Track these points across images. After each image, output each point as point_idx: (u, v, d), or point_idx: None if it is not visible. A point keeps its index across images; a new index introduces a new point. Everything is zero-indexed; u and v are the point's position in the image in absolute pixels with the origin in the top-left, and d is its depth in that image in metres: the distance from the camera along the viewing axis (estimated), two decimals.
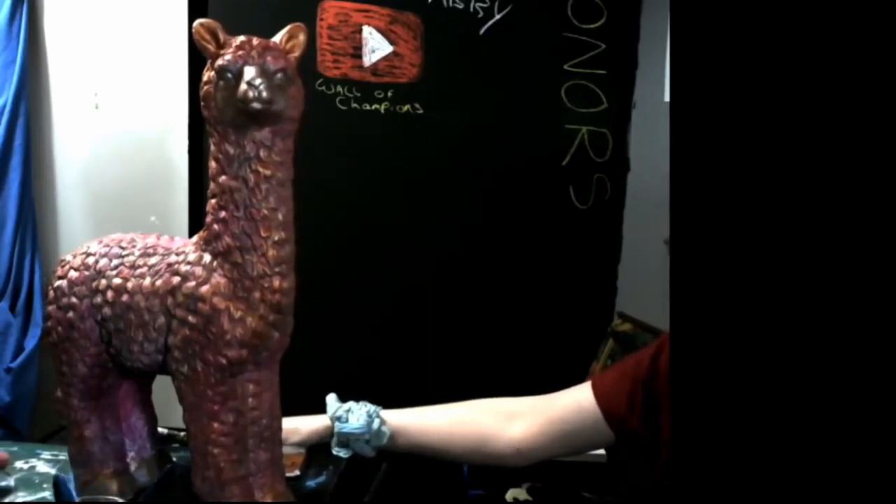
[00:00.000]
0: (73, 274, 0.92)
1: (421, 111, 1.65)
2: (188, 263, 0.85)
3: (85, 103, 1.78)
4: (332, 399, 1.08)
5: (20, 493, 0.98)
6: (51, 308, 0.93)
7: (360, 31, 1.62)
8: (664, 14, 1.67)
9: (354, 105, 1.62)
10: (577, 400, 1.00)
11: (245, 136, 0.81)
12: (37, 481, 1.02)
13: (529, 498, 1.23)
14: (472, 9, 1.65)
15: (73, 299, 0.91)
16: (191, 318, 0.84)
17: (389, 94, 1.64)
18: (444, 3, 1.64)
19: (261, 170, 0.81)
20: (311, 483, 1.02)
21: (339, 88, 1.62)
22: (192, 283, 0.84)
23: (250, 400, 0.88)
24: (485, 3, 1.65)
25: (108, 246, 0.92)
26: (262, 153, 0.81)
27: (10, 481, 1.01)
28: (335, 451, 1.05)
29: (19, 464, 1.07)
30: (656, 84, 1.71)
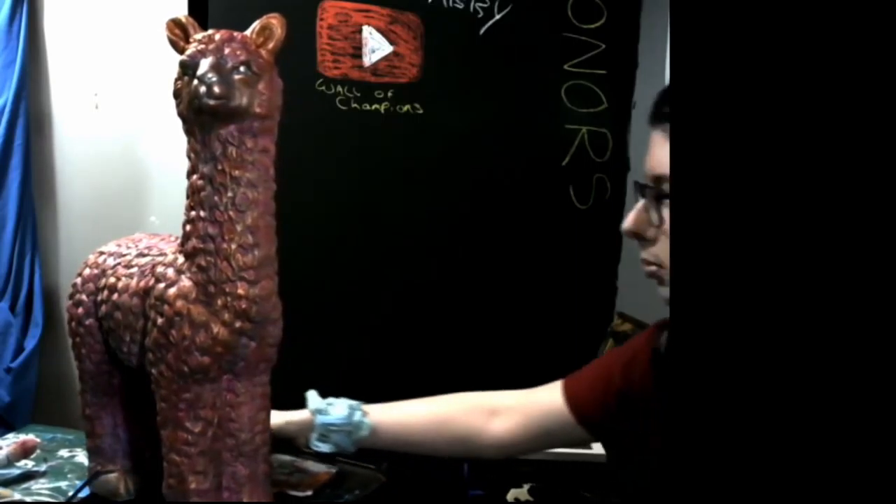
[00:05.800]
0: (86, 271, 0.93)
1: (421, 111, 1.64)
2: (164, 265, 0.82)
3: (85, 103, 1.78)
4: (313, 394, 1.06)
5: (41, 480, 0.99)
6: (68, 304, 0.95)
7: (360, 31, 1.61)
8: (664, 14, 1.66)
9: (354, 105, 1.62)
10: (554, 400, 1.00)
11: (210, 133, 0.76)
12: (65, 471, 1.03)
13: (530, 498, 1.23)
14: (472, 9, 1.65)
15: (83, 296, 0.92)
16: (159, 321, 0.80)
17: (389, 94, 1.63)
18: (444, 3, 1.64)
19: (226, 169, 0.76)
20: None
21: (339, 88, 1.62)
22: (162, 286, 0.81)
23: (228, 410, 0.83)
24: (485, 3, 1.65)
25: (119, 245, 0.93)
26: (228, 151, 0.76)
27: (43, 467, 1.03)
28: (315, 444, 1.02)
29: (63, 452, 1.08)
30: (656, 84, 1.71)
